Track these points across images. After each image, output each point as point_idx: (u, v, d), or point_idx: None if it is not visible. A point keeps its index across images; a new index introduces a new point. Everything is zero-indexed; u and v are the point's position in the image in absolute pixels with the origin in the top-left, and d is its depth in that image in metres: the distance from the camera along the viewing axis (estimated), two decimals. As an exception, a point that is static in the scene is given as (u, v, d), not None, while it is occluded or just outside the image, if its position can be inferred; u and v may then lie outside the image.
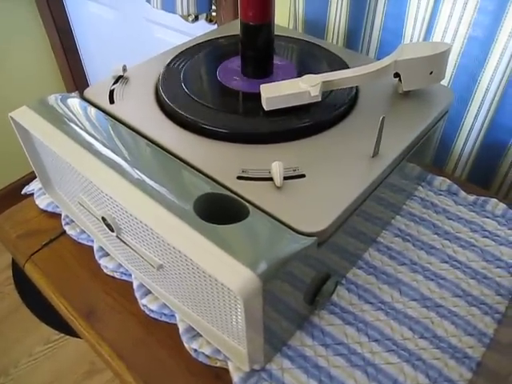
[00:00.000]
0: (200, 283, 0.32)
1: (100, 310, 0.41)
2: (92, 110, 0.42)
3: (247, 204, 0.32)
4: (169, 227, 0.30)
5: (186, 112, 0.40)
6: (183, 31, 1.04)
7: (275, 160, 0.35)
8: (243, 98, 0.44)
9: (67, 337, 1.24)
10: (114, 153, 0.36)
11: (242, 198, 0.34)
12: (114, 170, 0.34)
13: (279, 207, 0.33)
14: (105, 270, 0.44)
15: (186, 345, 0.38)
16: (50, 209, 0.49)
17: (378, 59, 0.43)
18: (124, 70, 0.48)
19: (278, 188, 0.34)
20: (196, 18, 0.90)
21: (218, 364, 0.37)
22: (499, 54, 0.48)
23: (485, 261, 0.44)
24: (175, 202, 0.32)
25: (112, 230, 0.37)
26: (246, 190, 0.34)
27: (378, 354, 0.37)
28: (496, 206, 0.49)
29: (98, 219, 0.39)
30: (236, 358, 0.35)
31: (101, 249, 0.45)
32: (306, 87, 0.39)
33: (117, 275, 0.43)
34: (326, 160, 0.37)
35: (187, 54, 0.50)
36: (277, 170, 0.34)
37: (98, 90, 0.46)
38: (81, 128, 0.39)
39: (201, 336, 0.37)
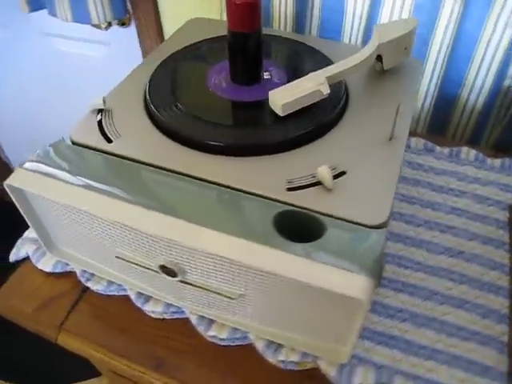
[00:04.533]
0: (294, 299, 0.33)
1: (164, 356, 0.40)
2: (93, 156, 0.38)
3: (320, 216, 0.33)
4: (264, 257, 0.30)
5: (200, 134, 0.39)
6: (89, 39, 0.96)
7: (309, 164, 0.37)
8: (247, 109, 0.43)
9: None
10: (150, 197, 0.34)
11: (301, 207, 0.34)
12: (165, 213, 0.33)
13: (342, 208, 0.34)
14: (153, 315, 0.42)
15: (271, 360, 0.38)
16: (58, 269, 0.45)
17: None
18: (104, 102, 0.44)
19: (329, 190, 0.36)
20: (109, 24, 0.83)
21: (308, 366, 0.38)
22: (447, 19, 0.54)
23: (479, 203, 0.50)
24: (253, 229, 0.31)
25: (174, 276, 0.36)
26: (301, 199, 0.35)
27: (435, 309, 0.42)
28: (468, 152, 0.55)
29: (152, 269, 0.37)
30: (329, 355, 0.37)
31: (140, 295, 0.42)
32: (315, 86, 0.40)
33: (167, 316, 0.42)
34: (352, 152, 0.39)
35: (164, 70, 0.47)
36: (325, 173, 0.35)
37: (85, 131, 0.41)
38: (94, 178, 0.35)
39: (283, 347, 0.38)
